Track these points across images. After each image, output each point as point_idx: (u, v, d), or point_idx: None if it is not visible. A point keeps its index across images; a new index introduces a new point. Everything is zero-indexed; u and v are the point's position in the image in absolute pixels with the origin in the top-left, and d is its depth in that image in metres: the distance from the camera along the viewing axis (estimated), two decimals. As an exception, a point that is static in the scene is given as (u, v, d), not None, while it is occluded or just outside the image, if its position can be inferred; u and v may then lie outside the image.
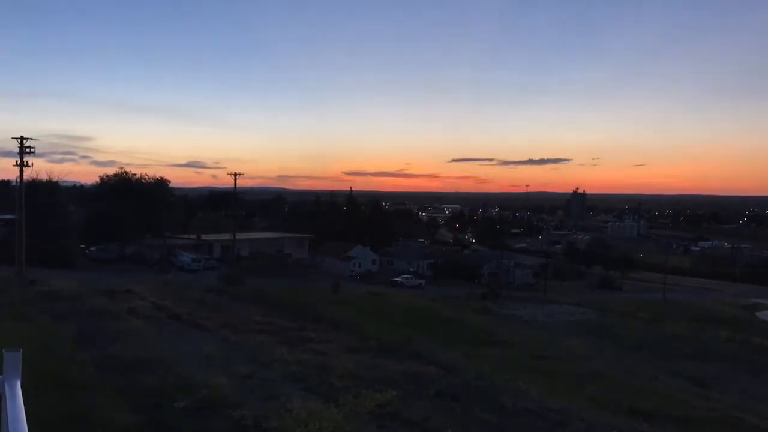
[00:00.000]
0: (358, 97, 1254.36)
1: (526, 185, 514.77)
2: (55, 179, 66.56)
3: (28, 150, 46.63)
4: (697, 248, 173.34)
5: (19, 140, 46.46)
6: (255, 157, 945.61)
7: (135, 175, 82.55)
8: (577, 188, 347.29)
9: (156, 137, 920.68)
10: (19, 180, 47.35)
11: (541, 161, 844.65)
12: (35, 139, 47.42)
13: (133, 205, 70.93)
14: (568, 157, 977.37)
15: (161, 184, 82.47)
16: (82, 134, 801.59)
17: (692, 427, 19.98)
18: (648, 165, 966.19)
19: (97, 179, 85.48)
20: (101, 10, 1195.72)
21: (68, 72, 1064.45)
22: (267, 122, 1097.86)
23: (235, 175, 63.28)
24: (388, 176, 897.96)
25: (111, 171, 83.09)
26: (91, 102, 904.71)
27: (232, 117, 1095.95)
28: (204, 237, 79.94)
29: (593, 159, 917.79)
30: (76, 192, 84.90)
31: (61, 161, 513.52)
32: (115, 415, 13.31)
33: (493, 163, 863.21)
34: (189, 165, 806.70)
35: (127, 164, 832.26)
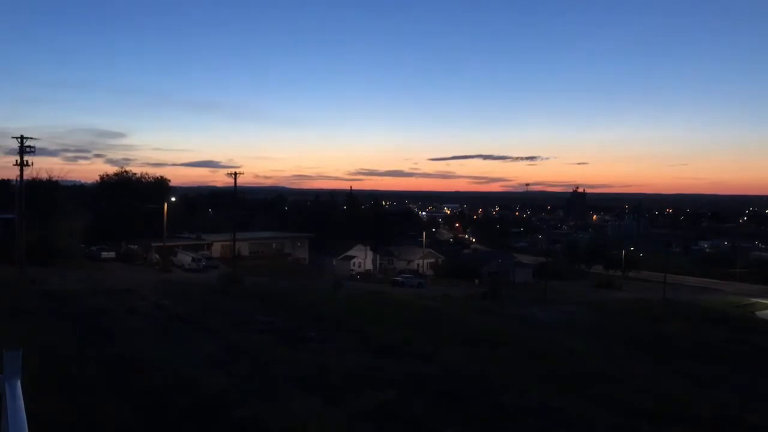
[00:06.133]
0: (370, 96, 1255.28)
1: (526, 184, 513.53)
2: (55, 178, 66.66)
3: (28, 149, 46.64)
4: (697, 248, 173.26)
5: (19, 139, 46.48)
6: (271, 155, 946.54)
7: (135, 174, 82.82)
8: (577, 187, 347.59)
9: (179, 135, 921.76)
10: (19, 179, 47.36)
11: (546, 159, 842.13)
12: (36, 139, 47.49)
13: (132, 204, 70.98)
14: (582, 156, 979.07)
15: (161, 183, 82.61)
16: (115, 130, 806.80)
17: (692, 427, 19.97)
18: (649, 165, 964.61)
19: (98, 178, 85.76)
20: (140, 7, 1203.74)
21: (97, 66, 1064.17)
22: (284, 121, 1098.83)
23: (235, 174, 63.17)
24: (398, 176, 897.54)
25: (111, 170, 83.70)
26: (123, 98, 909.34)
27: (247, 115, 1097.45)
28: (204, 236, 79.99)
29: (583, 158, 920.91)
30: (77, 191, 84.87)
31: (74, 159, 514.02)
32: (116, 415, 13.31)
33: (494, 161, 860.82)
34: (205, 164, 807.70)
35: (144, 163, 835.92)
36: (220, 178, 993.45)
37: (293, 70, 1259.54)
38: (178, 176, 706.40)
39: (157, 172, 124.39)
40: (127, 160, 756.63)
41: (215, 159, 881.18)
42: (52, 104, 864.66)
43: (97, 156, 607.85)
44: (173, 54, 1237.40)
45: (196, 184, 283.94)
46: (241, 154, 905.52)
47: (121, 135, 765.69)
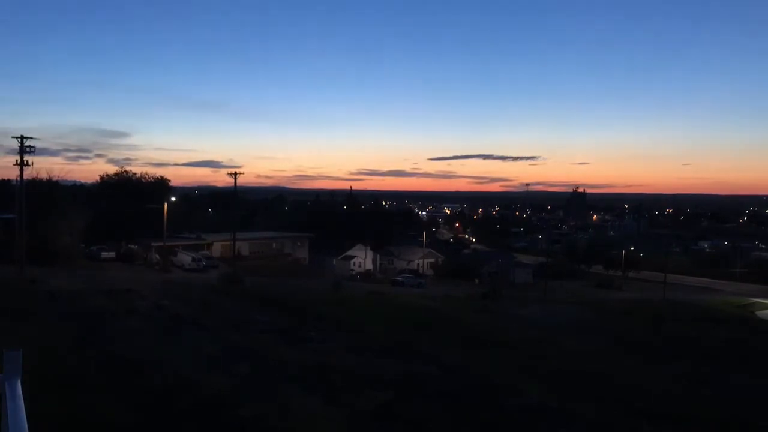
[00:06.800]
0: (372, 96, 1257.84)
1: (526, 184, 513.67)
2: (55, 178, 66.66)
3: (28, 149, 46.63)
4: (697, 248, 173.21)
5: (19, 139, 46.49)
6: (273, 155, 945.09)
7: (135, 174, 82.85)
8: (577, 187, 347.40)
9: (182, 134, 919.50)
10: (19, 179, 47.38)
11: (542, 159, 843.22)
12: (36, 139, 47.47)
13: (132, 204, 70.94)
14: (583, 156, 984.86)
15: (161, 183, 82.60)
16: (119, 129, 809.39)
17: (692, 427, 19.99)
18: (651, 164, 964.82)
19: (98, 178, 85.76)
20: (144, 6, 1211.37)
21: (107, 65, 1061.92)
22: (286, 121, 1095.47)
23: (235, 174, 63.06)
24: (400, 176, 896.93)
25: (112, 170, 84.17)
26: (128, 97, 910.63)
27: (250, 115, 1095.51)
28: (204, 236, 80.00)
29: (584, 158, 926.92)
30: (77, 191, 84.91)
31: (76, 159, 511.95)
32: (116, 415, 13.32)
33: (494, 160, 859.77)
34: (207, 164, 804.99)
35: (146, 163, 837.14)
36: (221, 178, 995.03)
37: (296, 70, 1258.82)
38: (180, 176, 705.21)
39: (159, 172, 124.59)
40: (128, 160, 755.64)
41: (217, 159, 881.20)
42: (55, 104, 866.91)
43: (99, 156, 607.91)
44: (178, 53, 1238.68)
45: (198, 184, 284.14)
46: (243, 153, 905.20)
47: (124, 134, 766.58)
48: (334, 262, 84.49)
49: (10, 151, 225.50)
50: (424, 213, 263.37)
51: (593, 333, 43.24)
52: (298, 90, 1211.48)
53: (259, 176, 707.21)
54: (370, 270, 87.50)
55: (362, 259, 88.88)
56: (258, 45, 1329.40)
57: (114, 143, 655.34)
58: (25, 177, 47.96)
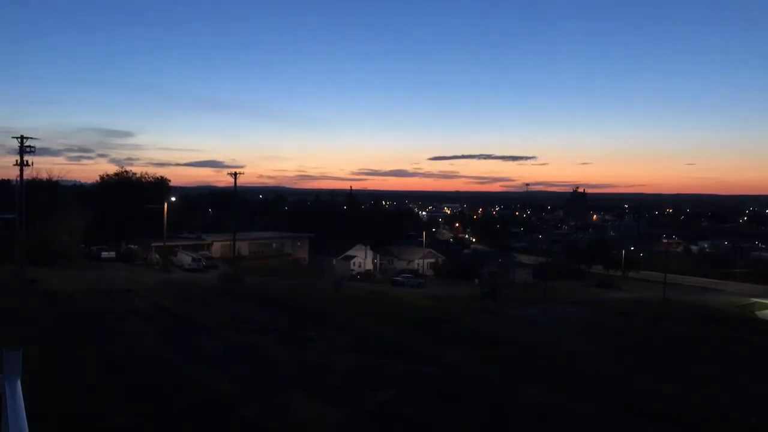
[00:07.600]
0: (374, 96, 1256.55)
1: (526, 184, 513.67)
2: (55, 178, 66.71)
3: (28, 149, 46.66)
4: (697, 247, 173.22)
5: (19, 139, 46.52)
6: (276, 155, 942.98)
7: (135, 174, 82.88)
8: (577, 187, 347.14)
9: (186, 134, 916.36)
10: (19, 179, 47.39)
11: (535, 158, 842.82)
12: (36, 139, 47.51)
13: (132, 204, 70.97)
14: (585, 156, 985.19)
15: (161, 183, 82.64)
16: (123, 129, 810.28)
17: (692, 427, 19.98)
18: (652, 164, 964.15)
19: (98, 178, 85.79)
20: (150, 6, 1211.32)
21: (110, 65, 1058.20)
22: (288, 121, 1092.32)
23: (235, 174, 62.97)
24: (401, 176, 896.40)
25: (112, 170, 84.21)
26: (132, 97, 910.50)
27: (252, 115, 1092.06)
28: (204, 236, 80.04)
29: (586, 158, 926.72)
30: (77, 191, 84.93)
31: (78, 159, 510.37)
32: (116, 414, 13.32)
33: (495, 160, 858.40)
34: (208, 164, 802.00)
35: (149, 163, 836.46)
36: (224, 178, 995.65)
37: (299, 71, 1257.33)
38: (182, 176, 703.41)
39: (161, 172, 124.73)
40: (130, 160, 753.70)
41: (218, 159, 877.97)
42: (57, 104, 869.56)
43: (101, 156, 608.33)
44: (182, 53, 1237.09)
45: (200, 184, 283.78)
46: (246, 154, 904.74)
47: (129, 134, 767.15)
48: (334, 262, 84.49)
49: (10, 151, 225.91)
50: (424, 213, 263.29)
51: (593, 333, 43.22)
52: (302, 90, 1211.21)
53: (261, 176, 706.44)
54: (370, 270, 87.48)
55: (362, 259, 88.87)
56: (261, 45, 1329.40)
57: (117, 143, 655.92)
58: (25, 177, 48.00)
